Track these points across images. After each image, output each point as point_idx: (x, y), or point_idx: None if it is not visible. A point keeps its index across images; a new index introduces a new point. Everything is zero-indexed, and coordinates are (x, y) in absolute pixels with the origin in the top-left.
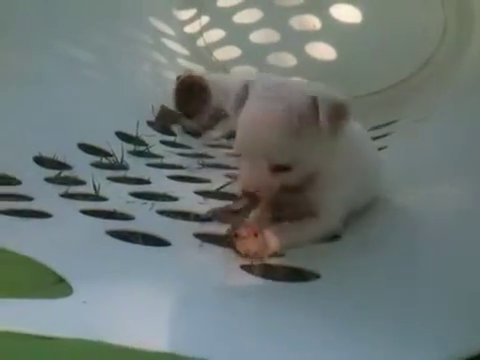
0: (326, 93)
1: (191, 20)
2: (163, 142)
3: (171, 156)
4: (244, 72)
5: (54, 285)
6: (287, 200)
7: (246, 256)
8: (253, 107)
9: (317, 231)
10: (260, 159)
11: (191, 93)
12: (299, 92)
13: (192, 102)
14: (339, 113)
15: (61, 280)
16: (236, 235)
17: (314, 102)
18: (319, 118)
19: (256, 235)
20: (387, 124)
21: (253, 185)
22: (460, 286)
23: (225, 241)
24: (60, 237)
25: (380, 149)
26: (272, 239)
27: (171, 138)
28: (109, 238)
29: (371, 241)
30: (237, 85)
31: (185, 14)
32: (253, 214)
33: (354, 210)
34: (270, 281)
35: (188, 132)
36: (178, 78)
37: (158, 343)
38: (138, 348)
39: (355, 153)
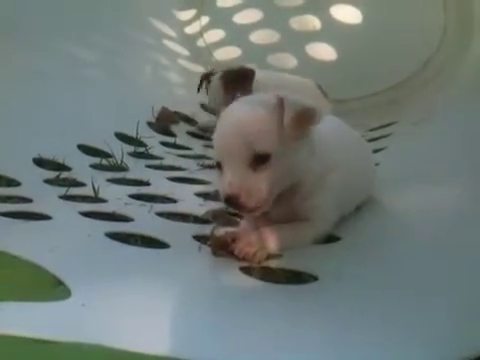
0: (295, 97)
1: (191, 21)
2: (163, 143)
3: (171, 157)
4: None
5: (53, 288)
6: (279, 214)
7: (243, 259)
8: (229, 109)
9: (311, 235)
10: (238, 156)
11: (235, 80)
12: (272, 95)
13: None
14: (304, 118)
15: (60, 283)
16: (233, 239)
17: (281, 103)
18: (283, 119)
19: (234, 240)
20: (386, 125)
21: (236, 187)
22: (458, 287)
23: (209, 241)
24: (59, 239)
25: (379, 150)
26: (270, 240)
27: (171, 139)
28: (108, 240)
29: (369, 243)
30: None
31: (185, 15)
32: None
33: (347, 211)
34: (269, 283)
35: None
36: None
37: (157, 346)
38: (137, 351)
39: (338, 157)
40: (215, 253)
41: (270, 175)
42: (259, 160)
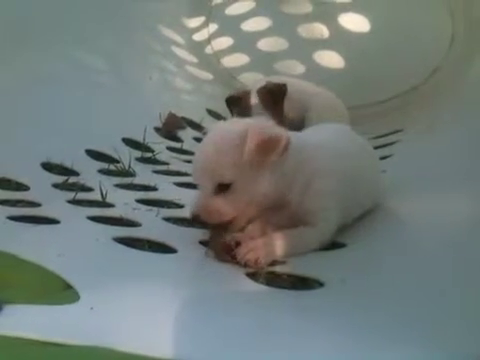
0: (263, 127)
1: (199, 28)
2: (170, 148)
3: (178, 163)
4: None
5: (61, 291)
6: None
7: (245, 265)
8: (205, 139)
9: (316, 240)
10: (206, 183)
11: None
12: (245, 124)
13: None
14: (268, 147)
15: (68, 286)
16: (237, 244)
17: (246, 133)
18: (245, 149)
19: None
20: (393, 132)
21: (198, 209)
22: (465, 290)
23: (207, 246)
24: (67, 244)
25: (386, 157)
26: (276, 246)
27: (178, 144)
28: (116, 245)
29: (374, 249)
30: None
31: (193, 22)
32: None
33: (351, 217)
34: (275, 289)
35: None
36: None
37: (163, 350)
38: (144, 355)
39: (331, 163)
40: (219, 258)
41: (232, 199)
42: (223, 187)
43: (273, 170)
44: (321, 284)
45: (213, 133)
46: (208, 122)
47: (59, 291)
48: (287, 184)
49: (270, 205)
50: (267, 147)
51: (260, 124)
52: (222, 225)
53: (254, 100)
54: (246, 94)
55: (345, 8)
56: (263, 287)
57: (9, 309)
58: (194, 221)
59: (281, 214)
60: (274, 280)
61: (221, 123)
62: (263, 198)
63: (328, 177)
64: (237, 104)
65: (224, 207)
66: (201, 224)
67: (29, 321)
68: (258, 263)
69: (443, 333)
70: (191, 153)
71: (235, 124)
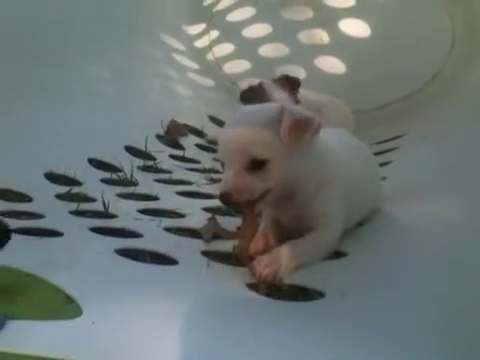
0: (296, 108)
1: (200, 35)
2: (172, 156)
3: (180, 171)
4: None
5: (64, 306)
6: (288, 221)
7: (264, 282)
8: (234, 116)
9: (324, 246)
10: (237, 160)
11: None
12: (276, 105)
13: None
14: (302, 126)
15: (71, 300)
16: (250, 257)
17: (281, 111)
18: (281, 127)
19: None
20: (393, 138)
21: (229, 186)
22: (466, 302)
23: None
24: (70, 257)
25: (387, 163)
26: (291, 256)
27: (180, 152)
28: (118, 257)
29: (376, 259)
30: None
31: (194, 29)
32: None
33: (351, 223)
34: (275, 300)
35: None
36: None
37: None
38: None
39: (340, 169)
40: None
41: (265, 178)
42: (256, 165)
43: (304, 153)
44: (322, 295)
45: (245, 113)
46: (210, 129)
47: (62, 305)
48: (307, 175)
49: (286, 192)
50: (301, 126)
51: (293, 105)
52: (250, 204)
53: (272, 91)
54: (259, 86)
55: (345, 14)
56: (264, 298)
57: (12, 325)
58: (223, 200)
59: (288, 213)
60: (275, 291)
61: (248, 106)
62: (293, 179)
63: (340, 184)
64: (255, 95)
65: (255, 184)
66: (230, 204)
67: (32, 337)
68: (277, 278)
69: (445, 345)
70: (194, 161)
71: (267, 105)
